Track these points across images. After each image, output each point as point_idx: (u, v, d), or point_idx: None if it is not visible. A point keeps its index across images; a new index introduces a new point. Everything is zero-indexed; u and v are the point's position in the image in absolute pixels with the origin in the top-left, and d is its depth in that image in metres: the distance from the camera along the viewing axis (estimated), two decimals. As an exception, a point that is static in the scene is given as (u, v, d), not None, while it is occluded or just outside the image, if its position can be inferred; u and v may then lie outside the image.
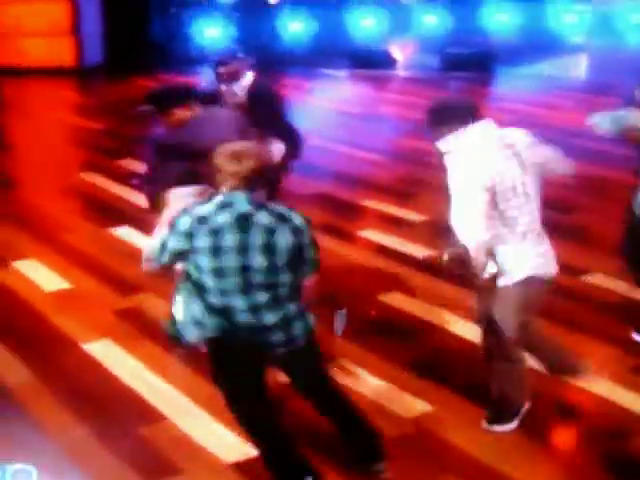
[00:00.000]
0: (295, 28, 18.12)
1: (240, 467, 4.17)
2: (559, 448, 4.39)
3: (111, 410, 4.72)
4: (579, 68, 17.10)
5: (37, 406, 4.72)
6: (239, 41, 16.82)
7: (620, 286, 5.87)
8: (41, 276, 6.48)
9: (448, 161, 4.04)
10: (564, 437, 4.50)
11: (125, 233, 7.36)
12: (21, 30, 15.16)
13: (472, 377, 4.77)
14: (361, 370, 5.01)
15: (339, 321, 5.08)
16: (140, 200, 8.19)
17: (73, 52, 15.62)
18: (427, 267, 6.34)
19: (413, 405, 4.64)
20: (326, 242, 6.97)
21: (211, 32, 17.29)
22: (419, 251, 6.81)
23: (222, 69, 6.38)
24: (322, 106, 12.15)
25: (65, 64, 15.39)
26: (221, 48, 7.11)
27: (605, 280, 6.00)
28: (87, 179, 8.99)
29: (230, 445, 4.28)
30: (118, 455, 4.27)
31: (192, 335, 3.70)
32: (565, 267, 6.15)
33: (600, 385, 4.77)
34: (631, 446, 4.30)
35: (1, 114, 12.56)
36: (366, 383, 4.87)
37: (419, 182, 8.69)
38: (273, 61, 15.83)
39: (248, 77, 6.38)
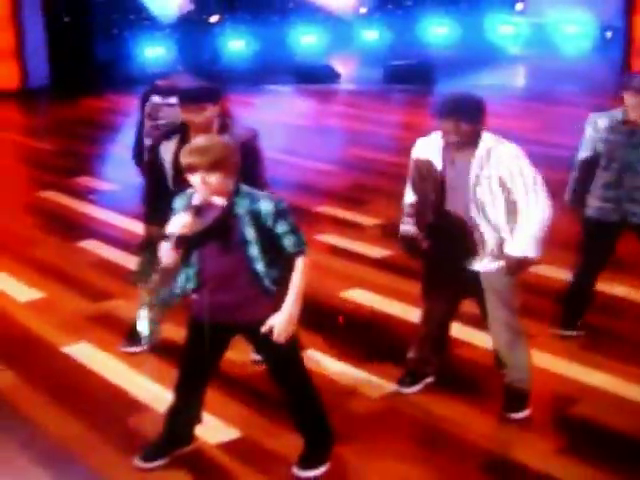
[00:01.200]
0: (236, 46, 18.57)
1: (223, 448, 4.60)
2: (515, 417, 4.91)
3: (97, 405, 5.11)
4: (517, 77, 17.86)
5: (27, 405, 5.07)
6: (181, 60, 17.21)
7: (562, 274, 6.46)
8: (13, 288, 6.83)
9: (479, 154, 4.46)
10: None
11: (91, 245, 7.74)
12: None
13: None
14: (327, 357, 5.49)
15: None
16: (102, 214, 8.64)
17: (17, 74, 15.89)
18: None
19: (380, 385, 5.13)
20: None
21: (153, 51, 17.68)
22: (374, 252, 7.32)
23: (160, 81, 6.44)
24: (269, 120, 12.59)
25: (9, 87, 15.63)
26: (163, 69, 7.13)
27: (549, 270, 6.57)
28: (46, 197, 9.33)
29: (213, 428, 4.70)
30: (111, 445, 4.67)
31: None
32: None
33: (548, 361, 5.34)
34: (578, 411, 4.86)
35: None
36: (332, 368, 5.36)
37: (369, 188, 9.23)
38: (215, 79, 16.28)
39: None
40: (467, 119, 4.43)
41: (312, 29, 19.19)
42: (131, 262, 7.01)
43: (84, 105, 14.89)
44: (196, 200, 3.88)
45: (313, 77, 15.72)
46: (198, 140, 3.95)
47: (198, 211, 3.86)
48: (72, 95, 15.17)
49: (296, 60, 17.34)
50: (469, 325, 5.56)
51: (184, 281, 4.11)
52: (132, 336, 5.68)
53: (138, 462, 4.41)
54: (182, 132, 5.06)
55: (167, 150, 5.08)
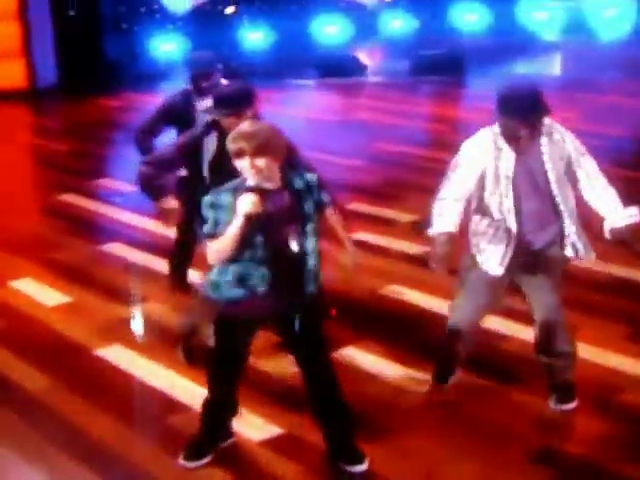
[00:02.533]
0: (255, 38, 18.80)
1: (266, 444, 4.92)
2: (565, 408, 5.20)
3: (137, 406, 5.48)
4: (553, 65, 18.11)
5: (64, 407, 5.39)
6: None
7: (607, 267, 6.81)
8: (41, 293, 7.15)
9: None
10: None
11: (115, 248, 8.09)
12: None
13: (474, 354, 5.64)
14: (369, 355, 5.82)
15: None
16: (124, 217, 8.99)
17: (25, 74, 16.28)
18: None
19: (424, 381, 5.45)
20: (319, 246, 7.78)
21: (166, 46, 17.98)
22: (410, 248, 7.63)
23: (205, 83, 6.42)
24: (295, 116, 12.94)
25: (17, 86, 16.00)
26: (196, 55, 7.13)
27: (594, 264, 6.86)
28: (66, 199, 9.70)
29: (255, 425, 5.03)
30: (153, 443, 5.02)
31: None
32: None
33: (593, 352, 5.67)
34: (623, 400, 5.22)
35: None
36: (375, 365, 5.70)
37: (400, 183, 9.55)
38: (235, 74, 16.63)
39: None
40: (537, 114, 4.66)
41: (334, 18, 19.38)
42: (156, 264, 7.40)
43: (96, 104, 15.28)
44: (249, 183, 4.15)
45: (338, 70, 16.01)
46: (244, 126, 4.24)
47: (257, 192, 4.11)
48: (82, 94, 15.55)
49: (319, 52, 17.63)
50: (508, 318, 5.93)
51: (252, 274, 4.29)
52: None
53: (182, 462, 4.73)
54: (219, 128, 5.34)
55: (207, 145, 5.40)
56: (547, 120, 4.78)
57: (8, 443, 5.04)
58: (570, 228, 4.83)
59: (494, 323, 5.96)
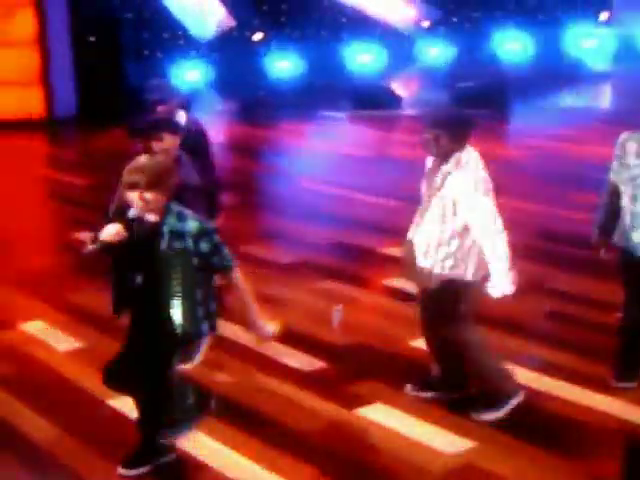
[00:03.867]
0: (283, 67, 18.94)
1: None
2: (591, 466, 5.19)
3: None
4: (602, 97, 18.10)
5: (71, 459, 5.44)
6: (220, 83, 17.70)
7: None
8: (53, 337, 7.23)
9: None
10: (592, 456, 5.29)
11: (133, 291, 8.13)
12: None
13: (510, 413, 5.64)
14: (397, 410, 5.81)
15: (336, 317, 6.63)
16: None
17: (43, 103, 16.52)
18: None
19: (454, 441, 5.44)
20: (351, 292, 7.83)
21: (190, 74, 18.18)
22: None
23: (161, 108, 6.97)
24: (326, 151, 13.03)
25: (34, 116, 16.25)
26: (154, 83, 7.67)
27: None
28: (83, 237, 9.77)
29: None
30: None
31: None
32: (597, 303, 7.06)
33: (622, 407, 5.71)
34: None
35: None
36: (403, 422, 5.68)
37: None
38: (261, 104, 16.79)
39: (181, 116, 7.02)
40: (448, 134, 5.12)
41: (368, 47, 19.47)
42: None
43: (116, 135, 15.40)
44: (132, 214, 4.68)
45: (372, 102, 16.07)
46: (139, 160, 4.78)
47: (131, 224, 4.66)
48: (102, 124, 15.72)
49: (351, 83, 17.71)
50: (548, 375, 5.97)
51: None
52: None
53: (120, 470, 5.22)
54: None
55: None
56: (459, 158, 5.19)
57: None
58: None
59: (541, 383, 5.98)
